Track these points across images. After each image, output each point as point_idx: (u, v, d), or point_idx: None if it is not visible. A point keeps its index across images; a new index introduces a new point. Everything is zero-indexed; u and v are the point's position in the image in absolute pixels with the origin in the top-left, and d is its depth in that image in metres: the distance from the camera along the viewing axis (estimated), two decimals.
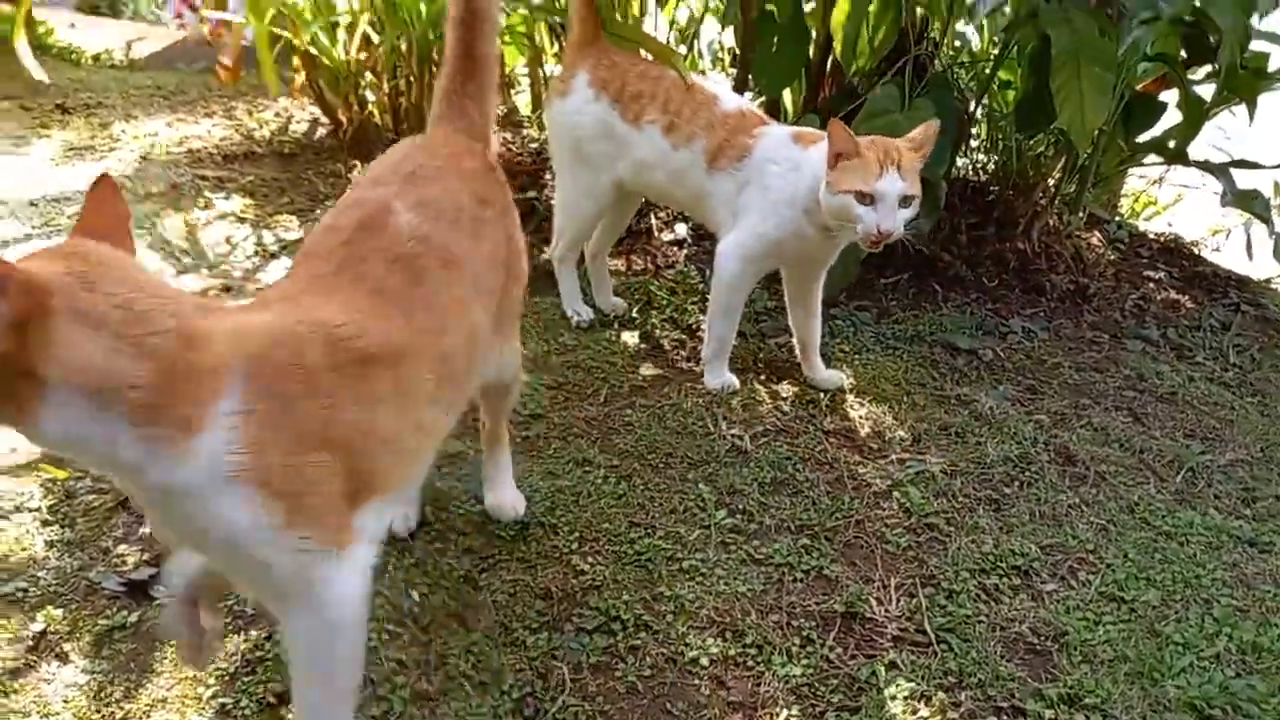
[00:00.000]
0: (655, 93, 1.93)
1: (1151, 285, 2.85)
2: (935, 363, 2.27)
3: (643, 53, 2.11)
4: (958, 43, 2.99)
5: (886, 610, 1.48)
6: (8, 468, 1.55)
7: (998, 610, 1.51)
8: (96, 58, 3.90)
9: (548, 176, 2.84)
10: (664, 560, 1.53)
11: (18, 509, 1.48)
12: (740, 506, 1.67)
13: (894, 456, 1.86)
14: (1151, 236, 3.19)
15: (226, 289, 2.17)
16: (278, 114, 3.20)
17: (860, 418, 2.00)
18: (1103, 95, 2.23)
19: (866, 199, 1.68)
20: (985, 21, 2.87)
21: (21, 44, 2.57)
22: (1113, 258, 2.95)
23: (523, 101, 3.42)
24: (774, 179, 1.83)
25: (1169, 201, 3.71)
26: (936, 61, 2.69)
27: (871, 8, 2.38)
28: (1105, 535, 1.71)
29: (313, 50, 2.62)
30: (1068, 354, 2.39)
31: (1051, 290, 2.68)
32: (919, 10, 2.66)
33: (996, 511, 1.75)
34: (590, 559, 1.51)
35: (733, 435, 1.86)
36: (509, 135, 3.16)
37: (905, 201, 1.69)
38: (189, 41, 4.08)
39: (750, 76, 2.60)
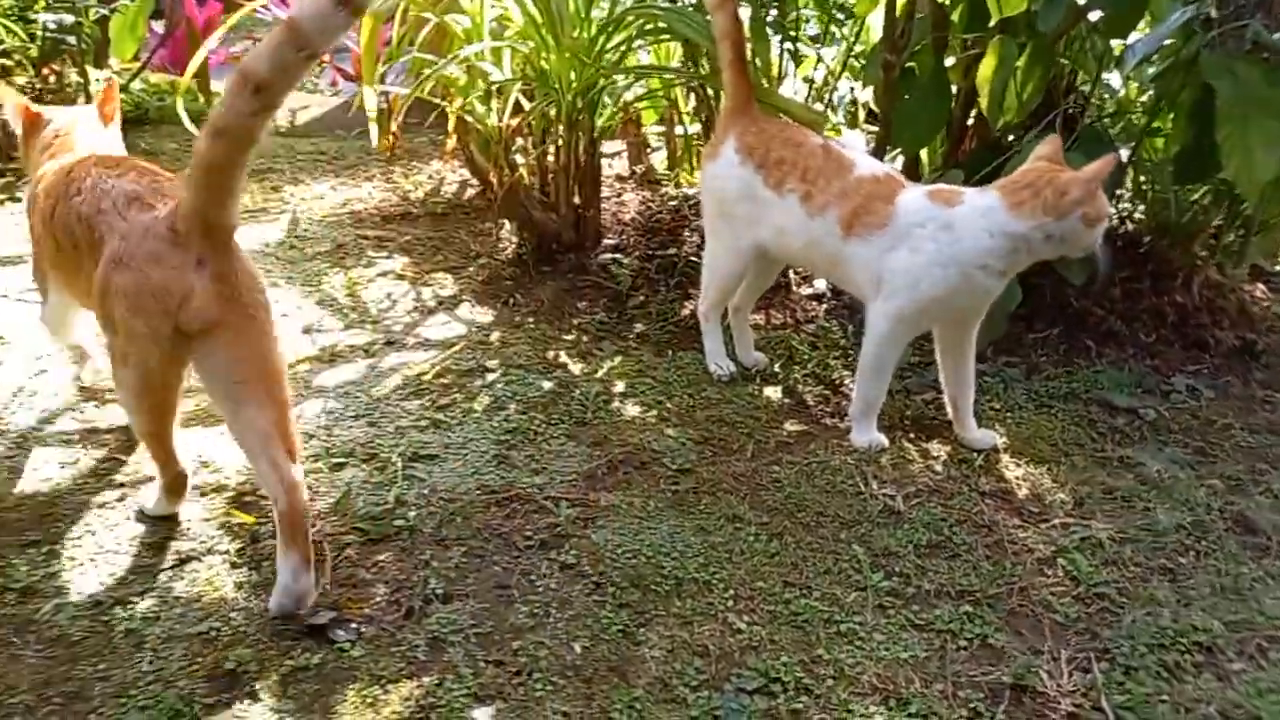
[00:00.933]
0: (796, 160, 1.96)
1: None
2: (1093, 422, 2.18)
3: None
4: (1104, 93, 2.92)
5: (1059, 684, 1.42)
6: (200, 514, 1.66)
7: (1181, 690, 1.42)
8: None
9: (686, 233, 2.90)
10: (821, 622, 1.51)
11: (209, 551, 1.59)
12: (896, 569, 1.64)
13: (1056, 521, 1.80)
14: None
15: (389, 343, 2.29)
16: (430, 176, 3.38)
17: (1017, 479, 1.94)
18: (1272, 147, 2.13)
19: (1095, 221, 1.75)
20: (1133, 71, 2.80)
21: (181, 111, 2.80)
22: None
23: (658, 159, 3.52)
24: (924, 241, 1.82)
25: None
26: (1085, 114, 2.63)
27: (1020, 62, 2.35)
28: None
29: (466, 117, 2.76)
30: (1238, 414, 2.26)
31: (1216, 346, 2.55)
32: (1066, 63, 2.62)
33: (1173, 583, 1.66)
34: (746, 617, 1.51)
35: (884, 495, 1.83)
36: (647, 193, 3.25)
37: None
38: (347, 108, 4.37)
39: (890, 134, 2.60)
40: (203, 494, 1.71)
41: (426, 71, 2.57)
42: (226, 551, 1.58)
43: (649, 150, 3.58)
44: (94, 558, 1.56)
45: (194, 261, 1.39)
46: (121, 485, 1.73)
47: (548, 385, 2.14)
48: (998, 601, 1.58)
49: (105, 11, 3.99)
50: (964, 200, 1.83)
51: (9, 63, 3.94)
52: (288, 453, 1.45)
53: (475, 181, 3.19)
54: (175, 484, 1.61)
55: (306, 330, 2.34)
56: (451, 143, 3.25)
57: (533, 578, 1.56)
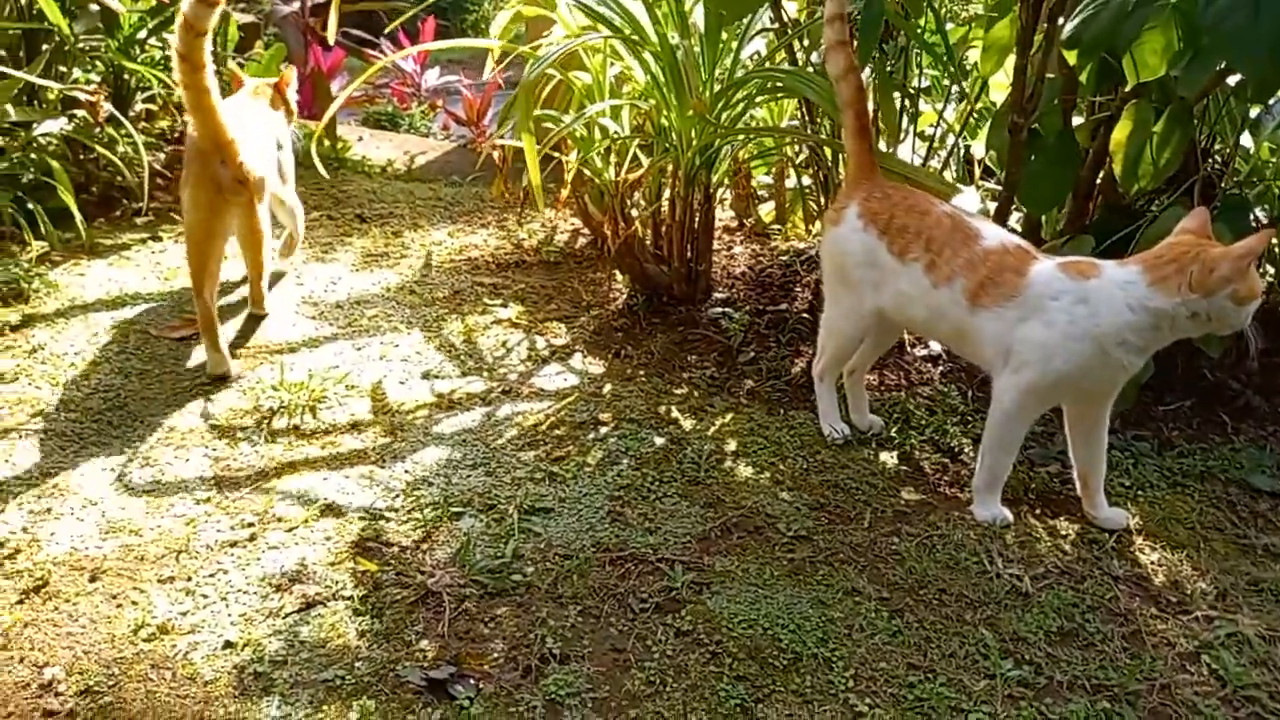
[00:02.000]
0: (920, 229, 1.93)
1: None
2: (1232, 504, 2.06)
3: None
4: (1243, 159, 2.80)
5: None
6: (325, 559, 1.71)
7: None
8: (383, 169, 4.37)
9: (796, 289, 2.88)
10: (948, 710, 1.45)
11: (334, 596, 1.63)
12: (1026, 656, 1.57)
13: (1198, 613, 1.70)
14: None
15: (505, 392, 2.33)
16: (543, 225, 3.45)
17: (1152, 564, 1.84)
18: None
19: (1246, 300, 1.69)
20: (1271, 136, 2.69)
21: (314, 155, 2.93)
22: None
23: (765, 209, 3.52)
24: (1058, 314, 1.76)
25: None
26: (1223, 181, 2.53)
27: (1156, 128, 2.27)
28: None
29: (584, 170, 2.82)
30: None
31: None
32: (1204, 127, 2.53)
33: None
34: (868, 699, 1.47)
35: (1010, 574, 1.76)
36: (756, 246, 3.25)
37: None
38: (462, 153, 4.51)
39: (1015, 196, 2.54)
40: (327, 538, 1.76)
41: (551, 126, 2.63)
42: (350, 598, 1.62)
43: (758, 201, 3.59)
44: (225, 596, 1.61)
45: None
46: (251, 525, 1.79)
47: (660, 441, 2.14)
48: (1137, 699, 1.50)
49: (240, 61, 4.22)
50: (1101, 273, 1.77)
51: (154, 107, 4.20)
52: None
53: (586, 231, 3.24)
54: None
55: (426, 376, 2.39)
56: (565, 192, 3.32)
57: (648, 643, 1.55)
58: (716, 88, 2.57)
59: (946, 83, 3.04)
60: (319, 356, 2.44)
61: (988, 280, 1.83)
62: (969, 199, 3.24)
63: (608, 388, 2.37)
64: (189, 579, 1.65)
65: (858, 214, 2.03)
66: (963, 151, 3.54)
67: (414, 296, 2.84)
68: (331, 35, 2.93)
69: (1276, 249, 2.69)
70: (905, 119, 2.98)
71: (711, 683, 1.48)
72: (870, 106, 2.69)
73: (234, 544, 1.74)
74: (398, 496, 1.89)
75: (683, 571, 1.71)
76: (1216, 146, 2.62)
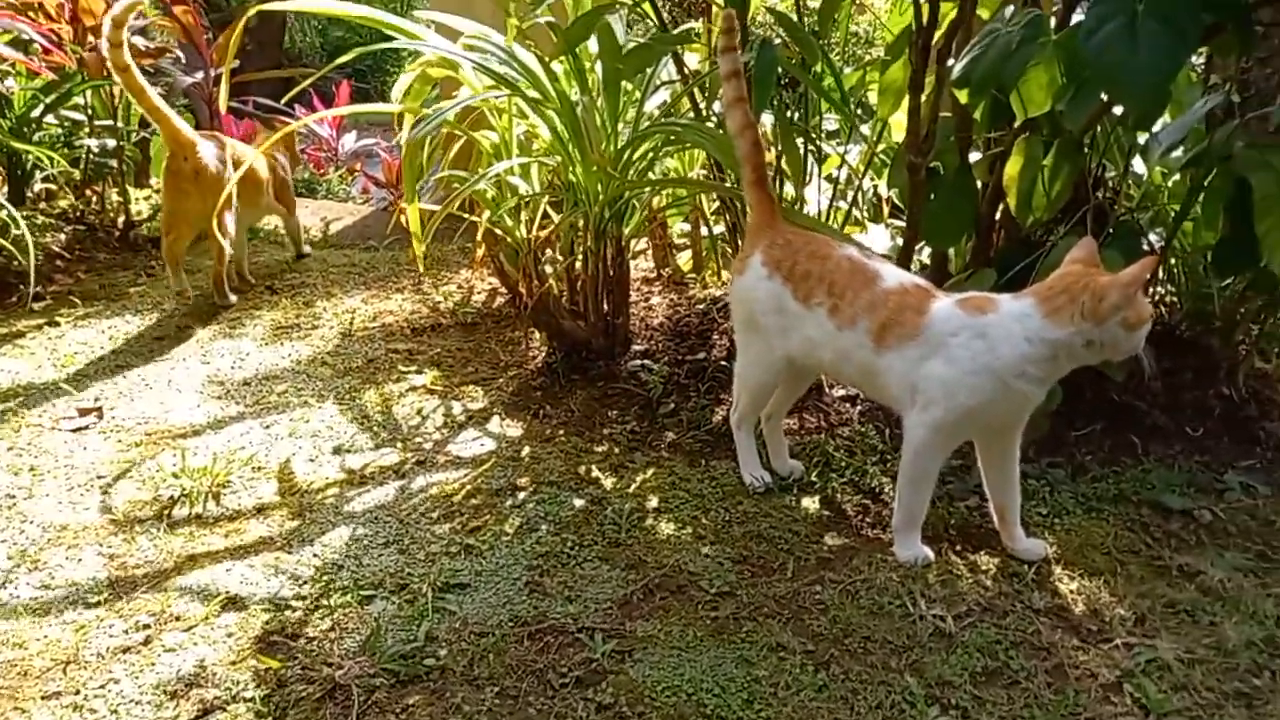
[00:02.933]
0: (822, 273, 1.95)
1: None
2: (1146, 526, 2.09)
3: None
4: (1132, 181, 2.90)
5: None
6: (226, 659, 1.62)
7: None
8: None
9: (715, 337, 2.89)
10: None
11: (234, 699, 1.54)
12: (952, 701, 1.55)
13: (1118, 641, 1.70)
14: None
15: (420, 462, 2.27)
16: (460, 286, 3.41)
17: (1072, 593, 1.85)
18: None
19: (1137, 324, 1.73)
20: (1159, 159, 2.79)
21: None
22: None
23: (684, 257, 3.53)
24: (958, 350, 1.78)
25: None
26: (1116, 207, 2.61)
27: (1046, 161, 2.34)
28: None
29: (495, 229, 2.80)
30: None
31: (1267, 439, 2.45)
32: (1093, 156, 2.61)
33: (1249, 709, 1.55)
34: None
35: (934, 615, 1.75)
36: (675, 296, 3.26)
37: None
38: (379, 217, 4.46)
39: (918, 233, 2.58)
40: (229, 635, 1.67)
41: (456, 186, 2.61)
42: (252, 699, 1.53)
43: (675, 250, 3.60)
44: (116, 709, 1.52)
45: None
46: (146, 627, 1.70)
47: (579, 503, 2.10)
48: None
49: (145, 135, 4.14)
50: (998, 307, 1.80)
51: (53, 186, 4.08)
52: None
53: (504, 290, 3.21)
54: None
55: (337, 451, 2.32)
56: (480, 252, 3.30)
57: None
58: (622, 141, 2.58)
59: (849, 126, 3.10)
60: (224, 438, 2.36)
61: (890, 321, 1.85)
62: (878, 237, 3.31)
63: (526, 450, 2.33)
64: (77, 692, 1.55)
65: (761, 262, 2.04)
66: (872, 191, 3.62)
67: (326, 368, 2.77)
68: (223, 104, 2.88)
69: (1175, 271, 2.78)
70: (811, 162, 3.03)
71: None
72: (775, 153, 2.74)
73: (127, 650, 1.64)
74: (305, 584, 1.82)
75: (603, 640, 1.66)
76: (1109, 174, 2.71)
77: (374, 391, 2.62)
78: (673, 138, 2.59)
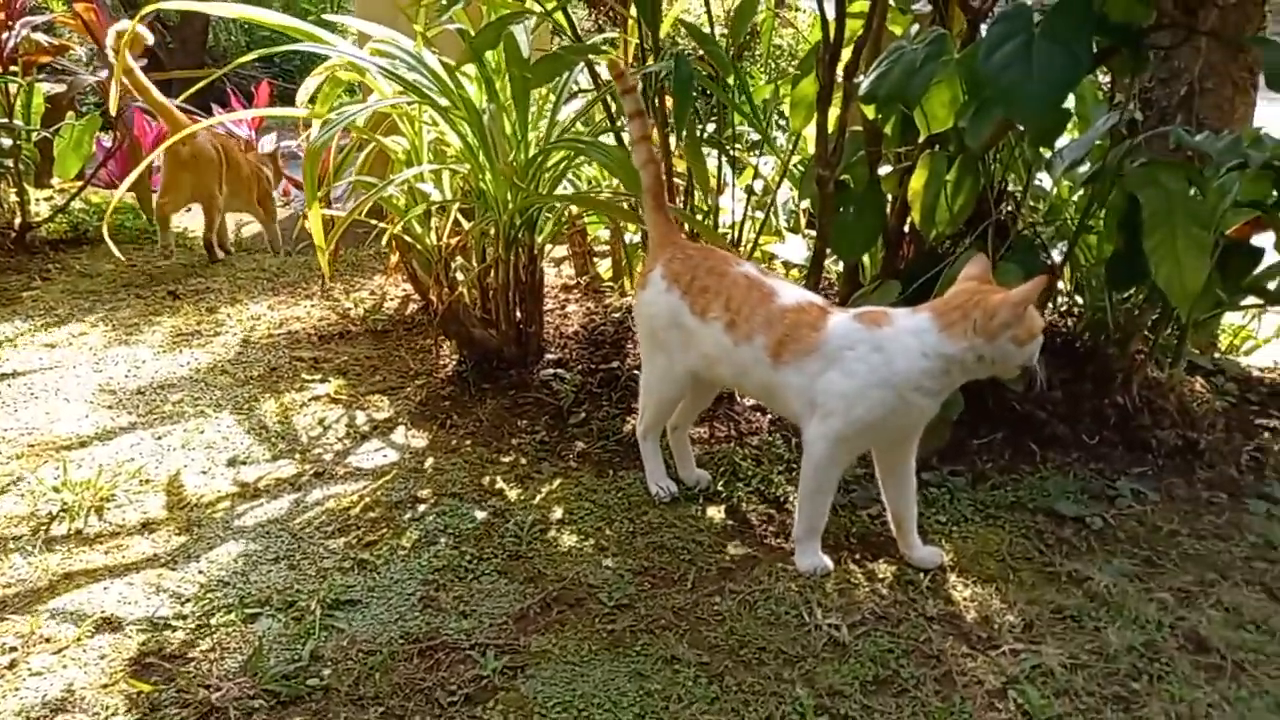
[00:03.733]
0: (719, 289, 1.96)
1: (1267, 435, 2.68)
2: (1040, 533, 2.14)
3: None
4: (1035, 193, 2.98)
5: None
6: (97, 682, 1.55)
7: None
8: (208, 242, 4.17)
9: (628, 345, 2.88)
10: None
11: None
12: (842, 711, 1.56)
13: (1005, 647, 1.73)
14: (1258, 377, 3.03)
15: (318, 474, 2.21)
16: (372, 292, 3.35)
17: (965, 601, 1.88)
18: (1200, 254, 2.17)
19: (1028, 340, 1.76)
20: (1063, 174, 2.87)
21: (104, 229, 2.83)
22: (1221, 407, 2.80)
23: (604, 267, 3.52)
24: (856, 364, 1.80)
25: (1270, 334, 3.55)
26: (1019, 221, 2.67)
27: (949, 175, 2.39)
28: None
29: (407, 237, 2.75)
30: (1184, 519, 2.23)
31: (1158, 447, 2.54)
32: (997, 171, 2.67)
33: (1126, 713, 1.59)
34: None
35: (829, 625, 1.76)
36: (591, 304, 3.24)
37: None
38: (295, 221, 4.36)
39: (828, 244, 2.61)
40: (102, 657, 1.60)
41: (365, 194, 2.56)
42: None
43: (594, 258, 3.59)
44: None
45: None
46: (13, 650, 1.62)
47: (481, 515, 2.06)
48: None
49: (47, 134, 3.98)
50: (894, 322, 1.82)
51: None
52: None
53: (417, 296, 3.16)
54: None
55: (232, 463, 2.25)
56: (394, 259, 3.24)
57: None
58: (533, 151, 2.56)
59: (764, 139, 3.12)
60: (112, 449, 2.27)
61: (787, 337, 1.86)
62: (795, 248, 3.35)
63: (430, 461, 2.28)
64: None
65: (661, 275, 2.03)
66: (790, 202, 3.66)
67: (226, 377, 2.68)
68: (113, 105, 2.78)
69: (1081, 281, 2.86)
70: (729, 172, 3.05)
71: None
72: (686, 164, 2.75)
73: None
74: (187, 603, 1.75)
75: (495, 656, 1.63)
76: (1014, 187, 2.78)
77: (274, 401, 2.55)
78: (579, 152, 2.57)
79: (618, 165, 2.14)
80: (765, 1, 4.02)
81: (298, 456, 2.29)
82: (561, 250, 3.66)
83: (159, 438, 2.34)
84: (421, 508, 2.08)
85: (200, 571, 1.85)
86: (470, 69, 2.46)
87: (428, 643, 1.66)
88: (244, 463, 2.25)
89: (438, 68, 2.53)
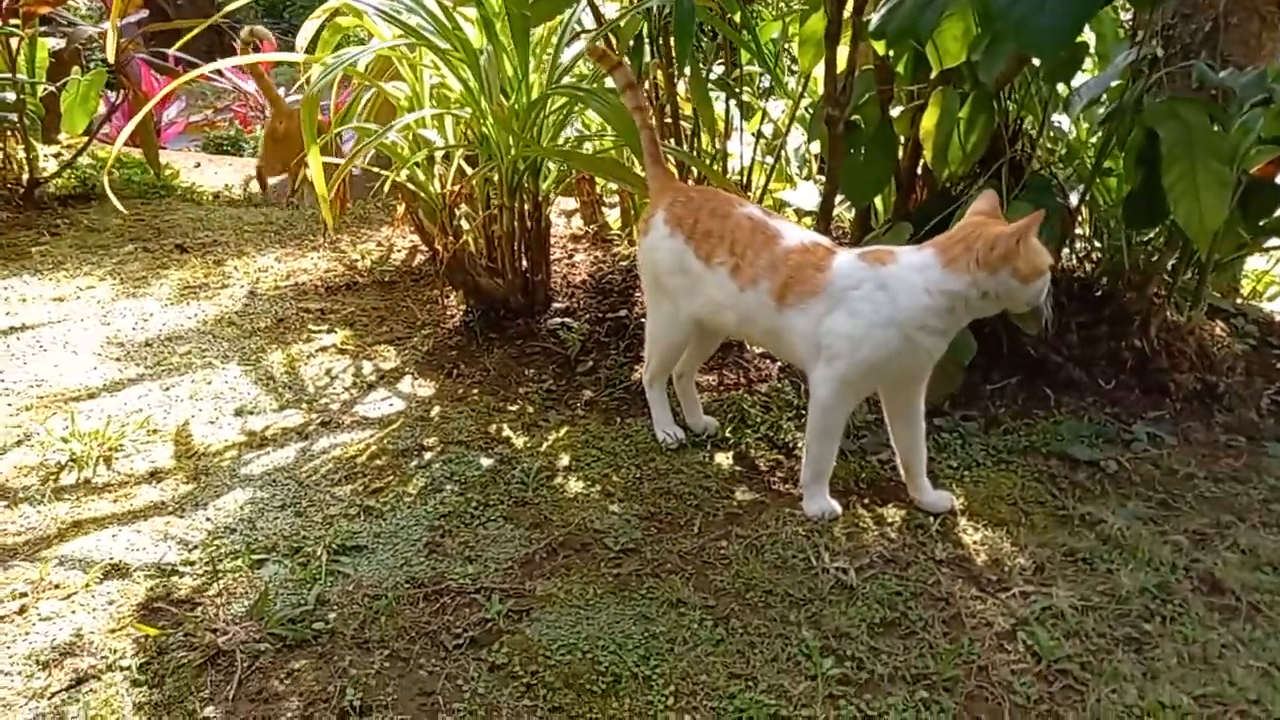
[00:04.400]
0: (723, 232, 1.91)
1: None
2: (1053, 477, 2.11)
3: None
4: (1053, 135, 2.90)
5: None
6: (105, 627, 1.56)
7: None
8: (216, 195, 4.15)
9: (636, 294, 2.85)
10: (767, 719, 1.42)
11: (110, 668, 1.48)
12: (848, 652, 1.55)
13: (1016, 590, 1.72)
14: None
15: (325, 423, 2.21)
16: (379, 244, 3.32)
17: (975, 544, 1.86)
18: (1221, 190, 2.10)
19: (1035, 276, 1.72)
20: (1082, 115, 2.79)
21: (105, 182, 2.80)
22: (1241, 350, 2.74)
23: (613, 217, 3.48)
24: (860, 303, 1.76)
25: None
26: (1034, 160, 2.60)
27: (961, 113, 2.32)
28: (1269, 681, 1.52)
29: (409, 185, 2.71)
30: (1201, 463, 2.19)
31: (1176, 391, 2.49)
32: (1011, 109, 2.60)
33: (1138, 654, 1.58)
34: (687, 717, 1.42)
35: (836, 569, 1.75)
36: (600, 253, 3.20)
37: None
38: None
39: (838, 187, 2.56)
40: (110, 603, 1.61)
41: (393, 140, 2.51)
42: (129, 668, 1.48)
43: (604, 207, 3.54)
44: None
45: None
46: (22, 596, 1.63)
47: (487, 462, 2.05)
48: (955, 685, 1.50)
49: (53, 88, 3.94)
50: (898, 259, 1.78)
51: None
52: None
53: (424, 247, 3.13)
54: None
55: (239, 413, 2.25)
56: (402, 209, 3.20)
57: (460, 682, 1.47)
58: (537, 94, 2.50)
59: (774, 79, 3.05)
60: (120, 401, 2.27)
61: (791, 279, 1.82)
62: (807, 194, 3.28)
63: (436, 410, 2.27)
64: None
65: (664, 220, 2.00)
66: (803, 147, 3.59)
67: (233, 328, 2.68)
68: (110, 54, 2.74)
69: (1100, 224, 2.79)
70: (738, 117, 2.98)
71: (524, 718, 1.40)
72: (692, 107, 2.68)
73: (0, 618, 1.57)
74: (194, 549, 1.76)
75: (500, 600, 1.63)
76: (1028, 126, 2.70)
77: (281, 352, 2.54)
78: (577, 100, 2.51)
79: (615, 116, 2.07)
80: None
81: (304, 406, 2.28)
82: (572, 204, 3.61)
83: (166, 389, 2.34)
84: (428, 455, 2.07)
85: (207, 519, 1.85)
86: (472, 11, 2.40)
87: (433, 587, 1.66)
88: (251, 412, 2.25)
89: (437, 10, 2.47)
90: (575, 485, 2.00)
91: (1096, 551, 1.83)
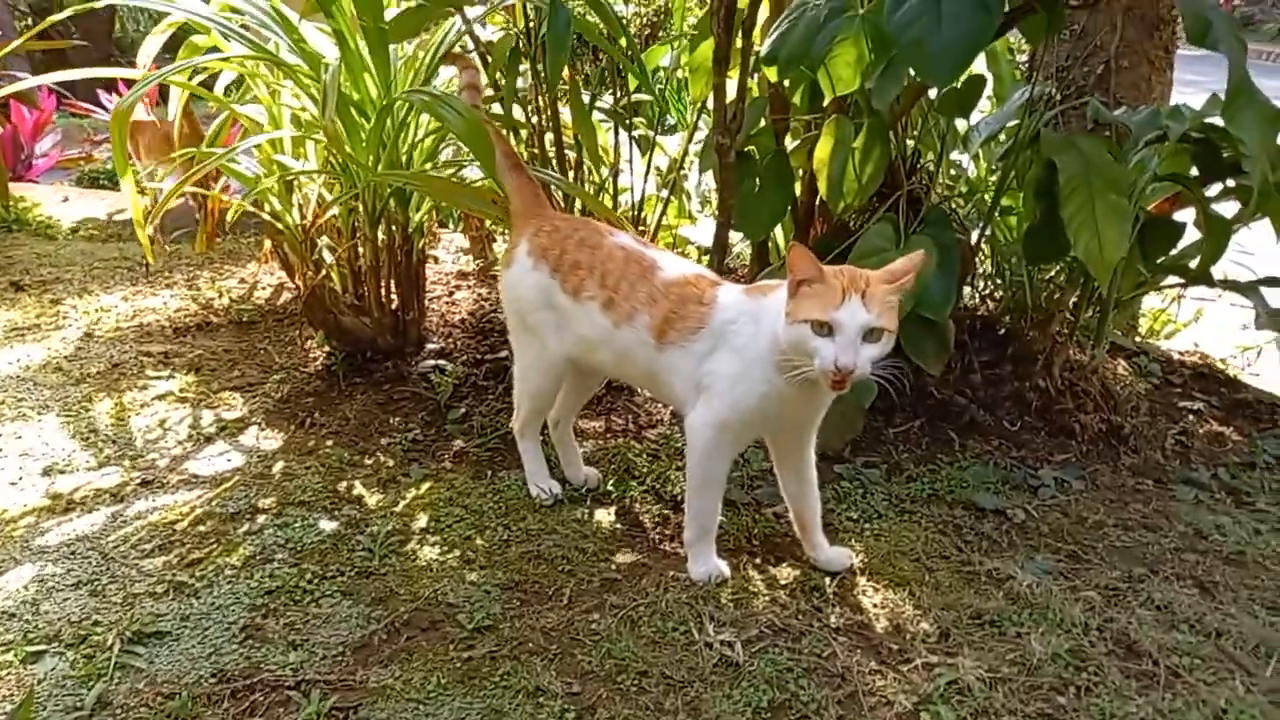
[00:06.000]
0: (593, 264, 1.72)
1: (1191, 418, 2.56)
2: (959, 528, 1.96)
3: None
4: (953, 172, 2.83)
5: None
6: None
7: None
8: (75, 230, 3.81)
9: None
10: None
11: None
12: None
13: (918, 661, 1.54)
14: (1180, 360, 2.93)
15: (146, 483, 1.92)
16: (242, 281, 3.04)
17: (875, 607, 1.68)
18: (1120, 223, 2.02)
19: (825, 329, 1.44)
20: (981, 150, 2.72)
21: None
22: (1144, 389, 2.67)
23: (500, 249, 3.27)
24: (739, 339, 1.59)
25: (1189, 319, 3.47)
26: (932, 194, 2.50)
27: (856, 143, 2.20)
28: None
29: (265, 215, 2.46)
30: (1110, 509, 2.08)
31: (1082, 432, 2.39)
32: (910, 143, 2.50)
33: None
34: None
35: (721, 642, 1.54)
36: (485, 290, 2.99)
37: (872, 335, 1.45)
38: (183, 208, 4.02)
39: (732, 220, 2.41)
40: None
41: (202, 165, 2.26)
42: None
43: (492, 241, 3.34)
44: None
45: None
46: None
47: (330, 526, 1.80)
48: None
49: None
50: (775, 291, 1.61)
51: None
52: None
53: (291, 284, 2.87)
54: None
55: (47, 472, 1.95)
56: (268, 243, 2.94)
57: None
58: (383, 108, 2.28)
59: (656, 102, 2.91)
60: None
61: (672, 314, 1.64)
62: (708, 231, 3.14)
63: (279, 465, 2.01)
64: None
65: (527, 252, 1.80)
66: (701, 183, 3.45)
67: (59, 375, 2.37)
68: None
69: (1002, 262, 2.70)
70: (635, 149, 2.83)
71: None
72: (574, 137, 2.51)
73: None
74: None
75: (322, 696, 1.38)
76: (926, 161, 2.61)
77: (111, 400, 2.25)
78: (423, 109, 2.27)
79: (466, 129, 1.86)
80: None
81: (126, 463, 1.99)
82: (461, 241, 3.40)
83: None
84: (261, 519, 1.81)
85: None
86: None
87: (243, 681, 1.39)
88: (62, 471, 1.95)
89: (299, 26, 2.25)
90: (430, 551, 1.76)
91: (1005, 613, 1.67)
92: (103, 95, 5.05)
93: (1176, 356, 2.96)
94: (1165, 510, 2.09)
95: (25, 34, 3.76)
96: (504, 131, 1.89)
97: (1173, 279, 2.60)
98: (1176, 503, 2.13)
